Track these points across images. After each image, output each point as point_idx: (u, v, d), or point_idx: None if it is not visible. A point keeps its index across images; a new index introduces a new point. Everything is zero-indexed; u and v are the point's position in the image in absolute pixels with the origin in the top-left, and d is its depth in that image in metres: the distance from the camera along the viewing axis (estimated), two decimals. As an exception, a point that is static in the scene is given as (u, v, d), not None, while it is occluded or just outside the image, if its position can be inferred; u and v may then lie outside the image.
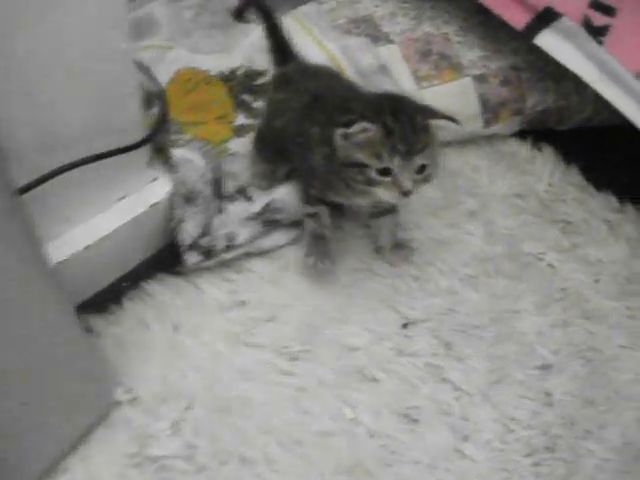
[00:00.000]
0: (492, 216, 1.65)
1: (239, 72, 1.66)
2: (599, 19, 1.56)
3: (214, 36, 1.75)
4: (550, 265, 1.60)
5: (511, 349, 1.42)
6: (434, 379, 1.33)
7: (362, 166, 1.17)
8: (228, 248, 1.42)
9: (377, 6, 1.80)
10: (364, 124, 1.15)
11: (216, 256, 1.41)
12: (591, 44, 1.55)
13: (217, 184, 1.46)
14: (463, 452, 1.25)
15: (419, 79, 1.69)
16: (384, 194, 1.19)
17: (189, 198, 1.40)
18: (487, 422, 1.30)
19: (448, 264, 1.53)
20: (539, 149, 1.82)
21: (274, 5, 1.71)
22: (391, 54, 1.70)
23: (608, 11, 1.56)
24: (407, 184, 1.15)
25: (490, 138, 1.81)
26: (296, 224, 1.50)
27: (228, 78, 1.64)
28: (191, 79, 1.61)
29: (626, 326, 1.51)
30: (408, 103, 1.24)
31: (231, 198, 1.47)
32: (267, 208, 1.46)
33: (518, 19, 1.60)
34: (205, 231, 1.40)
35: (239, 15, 1.81)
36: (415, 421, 1.28)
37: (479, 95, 1.71)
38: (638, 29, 1.56)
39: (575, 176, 1.79)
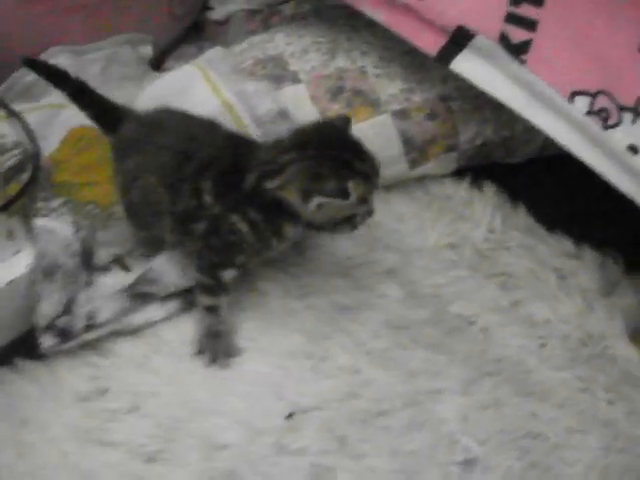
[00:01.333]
0: (414, 274, 1.41)
1: None
2: (518, 34, 1.32)
3: (125, 88, 1.57)
4: (484, 329, 1.35)
5: (425, 441, 1.16)
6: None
7: (348, 219, 1.12)
8: (89, 328, 1.23)
9: (289, 44, 1.58)
10: (352, 185, 1.06)
11: (75, 338, 1.22)
12: (512, 64, 1.31)
13: (87, 255, 1.29)
14: None
15: None
16: (358, 223, 1.15)
17: (48, 273, 1.23)
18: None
19: (352, 336, 1.29)
20: (479, 188, 1.57)
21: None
22: (296, 95, 1.49)
23: (527, 25, 1.32)
24: (374, 206, 1.14)
25: (420, 180, 1.57)
26: (174, 296, 1.29)
27: None
28: (83, 137, 1.44)
29: (577, 402, 1.25)
30: (338, 132, 1.15)
31: (104, 269, 1.31)
32: (141, 279, 1.28)
33: (431, 44, 1.37)
34: (66, 309, 1.23)
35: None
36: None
37: (400, 133, 1.49)
38: (565, 42, 1.31)
39: (522, 218, 1.54)
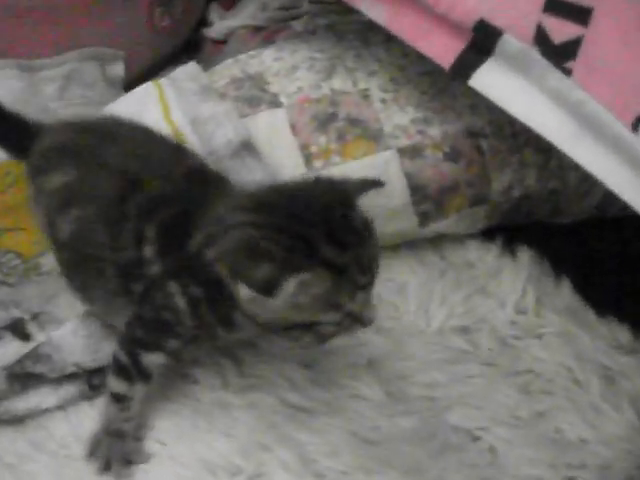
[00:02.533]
0: (405, 368, 1.05)
1: None
2: (563, 30, 0.91)
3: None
4: (491, 449, 0.98)
5: None
6: None
7: (307, 326, 0.77)
8: None
9: (277, 59, 1.24)
10: (294, 280, 0.71)
11: None
12: (553, 77, 0.91)
13: None
14: None
15: (310, 157, 1.12)
16: (341, 334, 0.81)
17: None
18: None
19: (300, 450, 0.95)
20: (512, 254, 1.18)
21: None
22: (272, 123, 1.15)
23: (577, 14, 0.91)
24: (372, 314, 0.80)
25: (435, 241, 1.20)
26: (73, 378, 0.98)
27: None
28: (10, 172, 1.18)
29: None
30: (329, 199, 0.79)
31: None
32: (30, 354, 0.98)
33: (442, 50, 0.98)
34: None
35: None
36: None
37: (408, 176, 1.12)
38: (632, 40, 0.91)
39: (565, 296, 1.15)
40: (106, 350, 0.98)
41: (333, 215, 0.76)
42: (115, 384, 0.91)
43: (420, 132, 1.15)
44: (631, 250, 1.16)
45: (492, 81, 0.96)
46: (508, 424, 0.99)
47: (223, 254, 0.76)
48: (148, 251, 0.84)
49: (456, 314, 1.11)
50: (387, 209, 1.12)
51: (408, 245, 1.19)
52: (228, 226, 0.77)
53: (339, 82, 1.19)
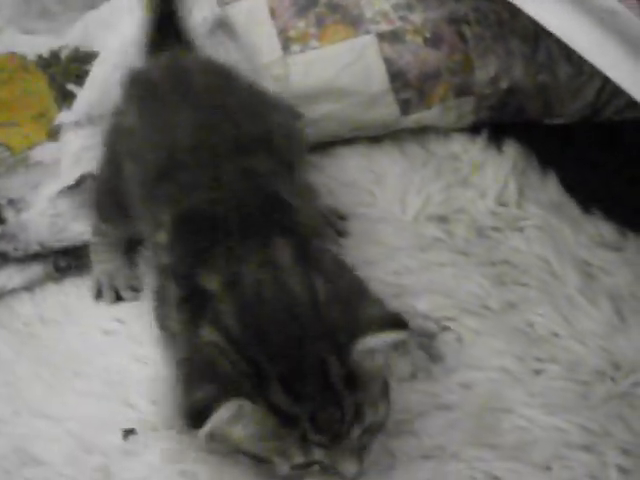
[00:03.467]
0: (374, 253, 0.99)
1: (63, 54, 1.19)
2: None
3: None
4: (459, 339, 0.92)
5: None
6: None
7: (262, 460, 0.70)
8: None
9: None
10: (226, 406, 0.63)
11: None
12: None
13: None
14: None
15: (287, 41, 1.06)
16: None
17: None
18: None
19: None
20: (498, 148, 1.10)
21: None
22: (252, 8, 1.09)
23: None
24: (350, 468, 0.68)
25: (419, 133, 1.12)
26: (40, 260, 0.97)
27: (48, 63, 1.19)
28: (6, 68, 1.18)
29: (572, 466, 0.82)
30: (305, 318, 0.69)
31: None
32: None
33: None
34: None
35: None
36: None
37: (386, 62, 1.06)
38: None
39: (550, 191, 1.08)
40: (74, 230, 0.97)
41: (307, 354, 0.66)
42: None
43: (401, 18, 1.07)
44: (621, 151, 1.07)
45: None
46: (477, 314, 0.93)
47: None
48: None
49: (434, 203, 1.04)
50: (366, 95, 1.06)
51: (391, 137, 1.12)
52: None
53: None
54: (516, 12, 0.95)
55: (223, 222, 0.74)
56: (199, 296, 0.71)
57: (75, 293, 0.96)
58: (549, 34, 0.88)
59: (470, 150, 1.12)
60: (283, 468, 0.68)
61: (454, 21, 1.08)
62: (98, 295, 0.95)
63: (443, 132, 1.14)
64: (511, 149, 1.11)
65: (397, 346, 0.77)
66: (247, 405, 0.64)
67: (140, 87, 0.91)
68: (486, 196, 1.06)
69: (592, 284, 0.96)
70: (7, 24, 1.20)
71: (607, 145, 1.09)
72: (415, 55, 1.06)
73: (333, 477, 0.70)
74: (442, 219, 1.04)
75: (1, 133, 1.10)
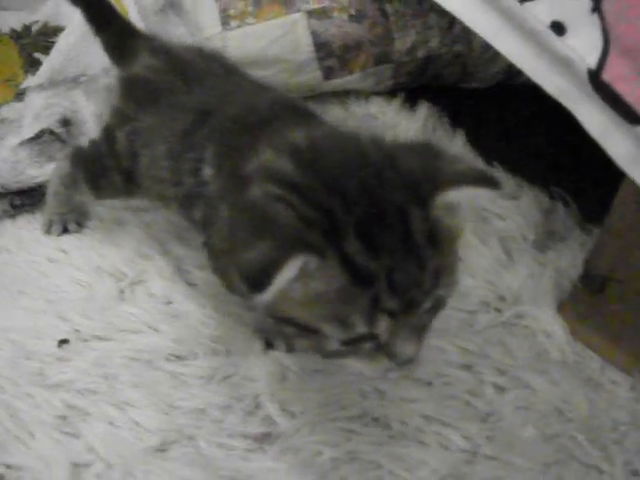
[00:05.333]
0: None
1: (34, 28, 1.26)
2: None
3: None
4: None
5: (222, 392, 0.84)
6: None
7: (311, 332, 0.58)
8: None
9: None
10: (291, 266, 0.51)
11: None
12: None
13: None
14: None
15: (227, 18, 1.12)
16: (361, 366, 0.62)
17: None
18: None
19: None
20: (412, 107, 1.17)
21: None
22: None
23: None
24: (408, 349, 0.58)
25: (341, 97, 1.19)
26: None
27: (20, 36, 1.26)
28: None
29: (449, 382, 0.90)
30: (379, 168, 0.57)
31: None
32: None
33: None
34: None
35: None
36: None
37: (313, 34, 1.12)
38: None
39: (457, 146, 1.14)
40: (30, 175, 1.04)
41: (386, 203, 0.55)
42: None
43: None
44: (525, 112, 1.13)
45: None
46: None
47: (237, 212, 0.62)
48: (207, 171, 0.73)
49: None
50: (294, 63, 1.11)
51: (316, 99, 1.17)
52: (259, 170, 0.61)
53: None
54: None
55: (265, 119, 0.70)
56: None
57: (27, 227, 1.02)
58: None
59: (386, 111, 1.16)
60: (333, 343, 0.57)
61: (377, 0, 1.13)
62: (48, 229, 1.02)
63: (364, 95, 1.18)
64: (424, 109, 1.15)
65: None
66: (314, 260, 0.52)
67: (140, 87, 0.88)
68: None
69: (485, 227, 1.00)
70: None
71: (512, 107, 1.14)
72: (339, 28, 1.11)
73: (378, 362, 0.60)
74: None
75: None
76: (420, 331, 0.58)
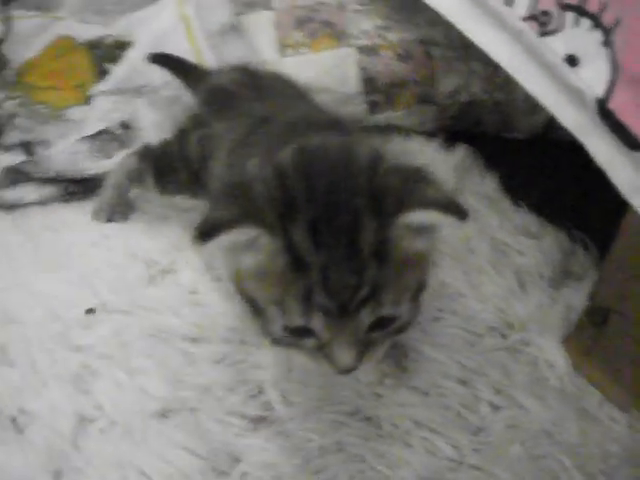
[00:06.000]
0: None
1: (107, 41, 1.36)
2: None
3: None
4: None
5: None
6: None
7: (258, 309, 0.63)
8: None
9: None
10: (240, 232, 0.57)
11: None
12: None
13: None
14: None
15: (284, 47, 1.22)
16: (306, 362, 0.65)
17: None
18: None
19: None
20: (450, 148, 1.23)
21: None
22: (260, 20, 1.26)
23: None
24: (344, 358, 0.60)
25: (387, 132, 1.25)
26: (54, 183, 1.15)
27: (93, 47, 1.36)
28: (61, 46, 1.36)
29: (445, 394, 0.91)
30: (355, 176, 0.61)
31: (7, 148, 1.18)
32: (25, 160, 1.15)
33: None
34: None
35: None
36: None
37: (362, 69, 1.20)
38: None
39: (487, 185, 1.18)
40: (85, 167, 1.14)
41: (344, 206, 0.58)
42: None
43: (380, 36, 1.20)
44: (558, 164, 1.16)
45: None
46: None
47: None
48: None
49: None
50: (342, 94, 1.18)
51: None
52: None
53: None
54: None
55: (304, 128, 0.74)
56: None
57: (76, 212, 1.12)
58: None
59: (425, 150, 1.21)
60: (276, 327, 0.61)
61: (424, 42, 1.20)
62: (96, 215, 1.11)
63: (406, 132, 1.25)
64: (461, 150, 1.21)
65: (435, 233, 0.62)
66: (264, 236, 0.57)
67: (221, 94, 0.98)
68: None
69: (503, 259, 1.03)
70: (69, 15, 1.38)
71: (544, 156, 1.19)
72: (386, 66, 1.18)
73: (320, 363, 0.63)
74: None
75: (47, 94, 1.26)
76: (365, 345, 0.61)
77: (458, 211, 0.58)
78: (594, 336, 0.88)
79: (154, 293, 0.97)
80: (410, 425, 0.83)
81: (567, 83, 0.80)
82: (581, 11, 0.82)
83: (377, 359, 0.65)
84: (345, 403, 0.85)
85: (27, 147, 1.17)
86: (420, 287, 0.64)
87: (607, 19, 0.76)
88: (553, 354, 0.92)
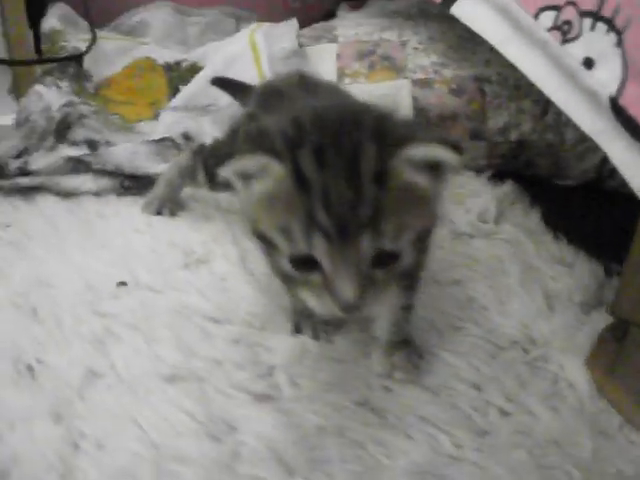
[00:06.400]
0: None
1: (184, 65, 1.49)
2: None
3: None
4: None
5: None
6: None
7: (269, 244, 0.66)
8: (21, 170, 1.20)
9: (349, 18, 1.47)
10: (253, 160, 0.63)
11: (7, 177, 1.21)
12: None
13: (63, 125, 1.28)
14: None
15: (343, 76, 1.28)
16: (312, 302, 0.66)
17: (19, 123, 1.25)
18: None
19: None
20: (498, 184, 1.24)
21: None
22: (324, 50, 1.34)
23: None
24: (346, 291, 0.61)
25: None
26: (111, 175, 1.23)
27: (171, 69, 1.49)
28: (141, 66, 1.50)
29: (456, 394, 0.89)
30: (362, 119, 0.65)
31: (73, 143, 1.27)
32: (87, 153, 1.24)
33: None
34: (18, 155, 1.23)
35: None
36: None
37: (414, 99, 1.24)
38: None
39: (532, 220, 1.18)
40: (142, 166, 1.21)
41: (349, 135, 0.62)
42: None
43: (435, 72, 1.24)
44: (605, 211, 1.17)
45: (464, 9, 1.10)
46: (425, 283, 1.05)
47: None
48: None
49: None
50: None
51: None
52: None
53: (388, 34, 1.33)
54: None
55: None
56: None
57: (127, 204, 1.19)
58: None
59: (473, 183, 1.23)
60: (284, 261, 0.64)
61: (478, 79, 1.23)
62: (146, 208, 1.17)
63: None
64: (508, 185, 1.22)
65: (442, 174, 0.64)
66: (273, 163, 0.61)
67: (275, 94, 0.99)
68: (471, 212, 1.17)
69: (534, 283, 1.01)
70: (153, 42, 1.54)
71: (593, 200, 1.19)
72: (439, 98, 1.22)
73: (325, 302, 0.64)
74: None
75: (121, 107, 1.37)
76: (368, 283, 0.62)
77: (455, 147, 0.60)
78: (616, 352, 0.85)
79: (186, 276, 1.01)
80: (415, 419, 0.82)
81: (585, 86, 0.83)
82: (597, 16, 0.85)
83: (382, 303, 0.66)
84: (352, 392, 0.84)
85: (91, 144, 1.26)
86: (425, 233, 0.66)
87: (620, 21, 0.78)
88: (575, 374, 0.89)
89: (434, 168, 0.64)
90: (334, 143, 0.61)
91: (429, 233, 0.68)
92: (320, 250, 0.60)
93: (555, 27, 0.89)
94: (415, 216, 0.63)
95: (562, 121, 1.19)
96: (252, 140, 0.65)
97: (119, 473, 0.73)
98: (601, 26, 0.84)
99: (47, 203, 1.18)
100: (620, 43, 0.80)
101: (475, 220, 1.13)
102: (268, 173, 0.62)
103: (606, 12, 0.83)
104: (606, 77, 0.79)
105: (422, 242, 0.67)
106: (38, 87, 1.29)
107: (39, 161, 1.18)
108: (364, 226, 0.59)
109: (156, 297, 0.97)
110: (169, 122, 1.27)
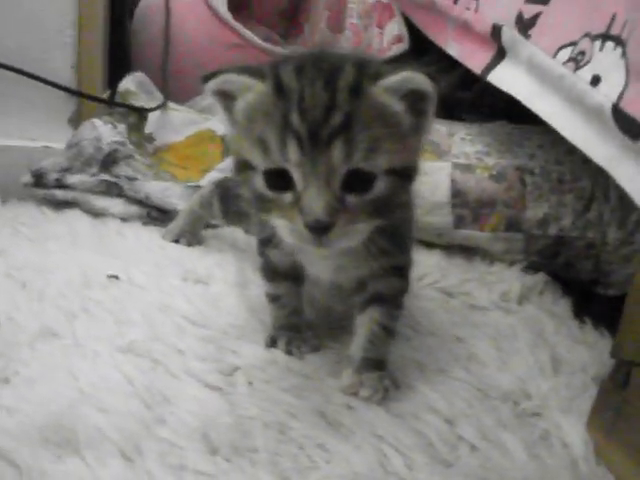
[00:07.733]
0: None
1: None
2: (530, 10, 1.09)
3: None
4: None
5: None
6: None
7: (247, 167, 0.66)
8: (58, 182, 1.27)
9: None
10: (238, 77, 0.66)
11: (45, 186, 1.27)
12: (524, 45, 1.07)
13: (110, 158, 1.33)
14: None
15: None
16: (283, 227, 0.65)
17: (69, 147, 1.32)
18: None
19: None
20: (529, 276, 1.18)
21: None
22: None
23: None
24: (316, 206, 0.61)
25: (468, 251, 1.24)
26: (141, 205, 1.27)
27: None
28: (201, 135, 1.56)
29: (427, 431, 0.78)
30: (348, 56, 0.69)
31: (116, 176, 1.32)
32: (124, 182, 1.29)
33: (479, 61, 1.20)
34: (60, 171, 1.29)
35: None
36: None
37: (453, 181, 1.22)
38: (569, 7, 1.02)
39: (561, 306, 1.10)
40: (170, 201, 1.25)
41: (323, 57, 0.67)
42: None
43: (478, 159, 1.24)
44: None
45: (501, 76, 1.13)
46: (431, 334, 0.97)
47: None
48: None
49: (450, 283, 1.13)
50: (429, 202, 1.20)
51: (442, 247, 1.24)
52: None
53: (439, 125, 1.34)
54: (579, 177, 1.15)
55: None
56: None
57: (150, 231, 1.22)
58: (605, 199, 1.08)
59: (505, 272, 1.18)
60: (259, 180, 0.64)
61: (520, 169, 1.21)
62: (166, 235, 1.19)
63: (489, 258, 1.22)
64: (541, 275, 1.16)
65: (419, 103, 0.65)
66: (258, 83, 0.64)
67: None
68: (493, 291, 1.11)
69: (546, 351, 0.93)
70: (217, 119, 1.56)
71: None
72: (478, 183, 1.20)
73: (295, 221, 0.62)
74: (449, 294, 1.11)
75: (175, 169, 1.43)
76: (339, 205, 0.62)
77: (430, 76, 0.63)
78: (617, 406, 0.74)
79: (180, 286, 1.01)
80: (369, 435, 0.74)
81: (591, 107, 0.80)
82: (606, 36, 0.84)
83: (352, 238, 0.65)
84: (309, 400, 0.78)
85: (131, 179, 1.30)
86: (403, 173, 0.66)
87: (625, 34, 0.77)
88: (571, 434, 0.78)
89: (415, 102, 0.64)
90: (316, 64, 0.64)
91: (408, 178, 0.67)
92: (293, 159, 0.60)
93: (570, 59, 0.89)
94: (391, 142, 0.63)
95: (605, 220, 1.13)
96: (240, 67, 0.67)
97: (38, 407, 0.71)
98: (609, 44, 0.82)
99: (74, 217, 1.22)
100: (624, 53, 0.78)
101: (497, 298, 1.06)
102: (251, 90, 0.64)
103: (615, 30, 0.82)
104: (610, 87, 0.77)
105: (401, 188, 0.67)
106: (94, 120, 1.36)
107: (75, 176, 1.21)
108: (336, 134, 0.60)
109: (142, 293, 0.97)
110: (208, 180, 1.30)
